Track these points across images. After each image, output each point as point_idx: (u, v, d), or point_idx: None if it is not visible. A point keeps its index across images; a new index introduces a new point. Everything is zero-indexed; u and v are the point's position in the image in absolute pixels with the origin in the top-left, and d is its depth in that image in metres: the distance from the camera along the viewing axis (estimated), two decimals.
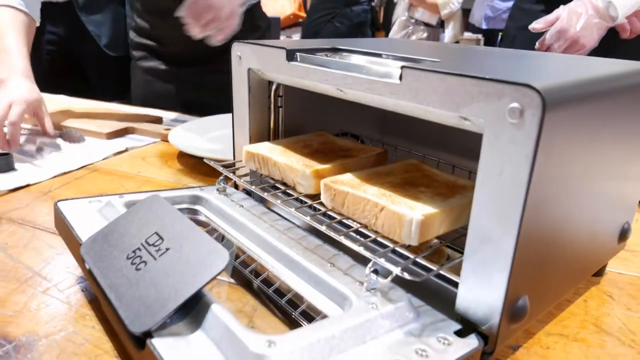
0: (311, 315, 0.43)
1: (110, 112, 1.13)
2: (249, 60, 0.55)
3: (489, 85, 0.33)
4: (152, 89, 1.27)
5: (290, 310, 0.44)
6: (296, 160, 0.53)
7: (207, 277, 0.34)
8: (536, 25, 1.08)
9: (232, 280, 0.51)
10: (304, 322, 0.42)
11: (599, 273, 0.54)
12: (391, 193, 0.45)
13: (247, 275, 0.49)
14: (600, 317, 0.48)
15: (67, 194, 0.72)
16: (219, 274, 0.34)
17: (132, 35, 1.27)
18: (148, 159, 0.87)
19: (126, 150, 0.92)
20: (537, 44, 1.09)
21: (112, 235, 0.42)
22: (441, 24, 2.99)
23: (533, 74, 0.39)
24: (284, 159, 0.53)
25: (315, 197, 0.50)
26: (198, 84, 1.25)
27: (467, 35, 3.47)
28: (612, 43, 1.07)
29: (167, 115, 1.15)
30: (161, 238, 0.39)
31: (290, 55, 0.50)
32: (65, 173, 0.79)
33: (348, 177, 0.49)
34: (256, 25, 1.27)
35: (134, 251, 0.39)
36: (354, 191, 0.45)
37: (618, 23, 1.03)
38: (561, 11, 1.05)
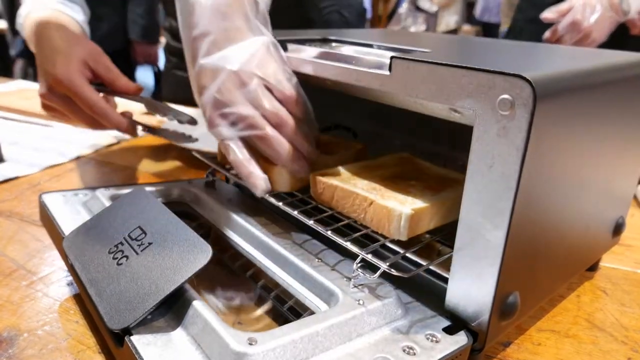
0: (299, 312, 0.42)
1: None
2: None
3: (480, 76, 0.32)
4: (187, 98, 1.21)
5: (278, 307, 0.43)
6: None
7: (189, 272, 0.33)
8: (548, 14, 1.04)
9: None
10: (292, 319, 0.41)
11: (593, 268, 0.53)
12: (381, 187, 0.44)
13: (235, 270, 0.48)
14: (593, 313, 0.47)
15: (56, 187, 0.71)
16: (201, 269, 0.34)
17: (168, 38, 1.21)
18: (140, 152, 0.86)
19: (118, 142, 0.91)
20: (547, 32, 1.05)
21: (95, 229, 0.41)
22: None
23: (525, 65, 0.38)
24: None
25: (305, 190, 0.49)
26: None
27: (466, 27, 3.44)
28: (620, 38, 1.04)
29: None
30: (144, 232, 0.38)
31: (280, 46, 0.49)
32: (55, 165, 0.78)
33: (338, 170, 0.48)
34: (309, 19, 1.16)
35: (116, 245, 0.38)
36: (343, 185, 0.44)
37: (629, 18, 1.01)
38: (575, 1, 1.02)
